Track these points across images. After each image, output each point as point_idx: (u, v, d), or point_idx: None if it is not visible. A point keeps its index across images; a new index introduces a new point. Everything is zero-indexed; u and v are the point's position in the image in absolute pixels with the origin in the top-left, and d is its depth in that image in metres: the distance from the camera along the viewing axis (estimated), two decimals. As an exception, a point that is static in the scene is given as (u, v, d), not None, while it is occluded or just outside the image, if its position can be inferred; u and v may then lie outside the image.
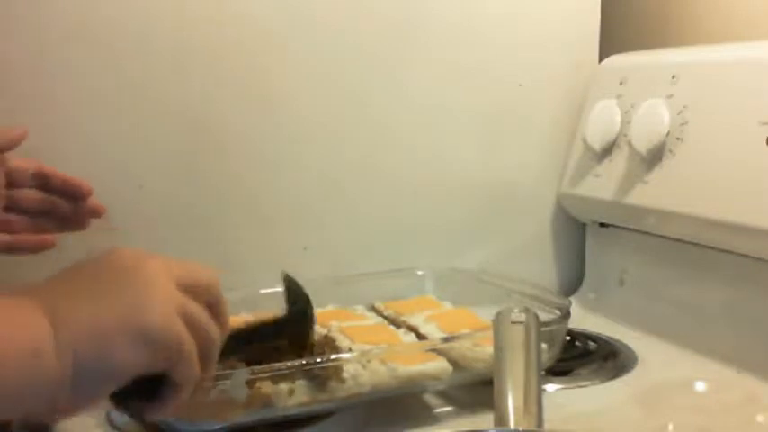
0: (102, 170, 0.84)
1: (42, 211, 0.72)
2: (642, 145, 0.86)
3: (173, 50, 0.86)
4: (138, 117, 0.86)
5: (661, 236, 0.90)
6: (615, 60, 0.99)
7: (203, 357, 0.51)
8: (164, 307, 0.49)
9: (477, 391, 0.71)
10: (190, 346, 0.50)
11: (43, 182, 0.71)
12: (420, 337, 0.77)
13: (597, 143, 0.93)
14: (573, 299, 0.98)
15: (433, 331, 0.76)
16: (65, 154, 0.83)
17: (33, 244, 0.71)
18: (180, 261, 0.52)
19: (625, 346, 0.86)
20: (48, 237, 0.72)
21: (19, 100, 0.81)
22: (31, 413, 0.46)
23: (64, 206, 0.72)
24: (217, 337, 0.52)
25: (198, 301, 0.51)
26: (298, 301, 0.70)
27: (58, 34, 0.82)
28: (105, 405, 0.59)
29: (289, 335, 0.69)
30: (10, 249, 0.71)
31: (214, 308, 0.53)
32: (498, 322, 0.59)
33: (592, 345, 0.86)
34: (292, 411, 0.65)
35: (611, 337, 0.88)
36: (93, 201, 0.73)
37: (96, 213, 0.73)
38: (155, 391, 0.50)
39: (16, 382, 0.43)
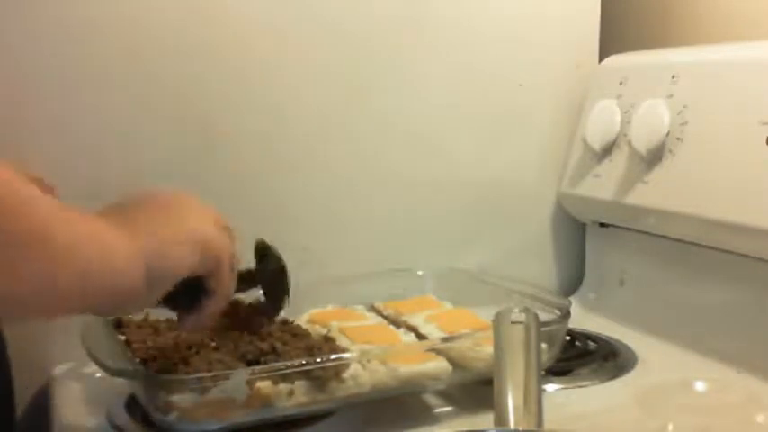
0: (102, 170, 0.85)
1: None
2: (642, 145, 0.86)
3: (175, 49, 0.86)
4: (138, 116, 0.86)
5: (661, 236, 0.90)
6: (615, 60, 0.99)
7: (232, 271, 0.63)
8: (212, 227, 0.61)
9: (477, 391, 0.71)
10: (227, 258, 0.61)
11: None
12: (420, 337, 0.77)
13: (597, 143, 0.93)
14: (573, 299, 0.98)
15: (433, 331, 0.76)
16: (65, 154, 0.83)
17: None
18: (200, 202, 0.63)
19: (625, 346, 0.86)
20: None
21: (19, 100, 0.81)
22: (108, 303, 0.54)
23: None
24: (237, 263, 0.64)
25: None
26: (277, 260, 0.74)
27: (59, 34, 0.82)
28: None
29: (266, 285, 0.74)
30: None
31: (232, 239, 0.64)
32: (498, 322, 0.59)
33: (592, 345, 0.86)
34: (292, 411, 0.66)
35: (611, 337, 0.88)
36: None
37: None
38: (193, 303, 0.62)
39: (94, 269, 0.50)
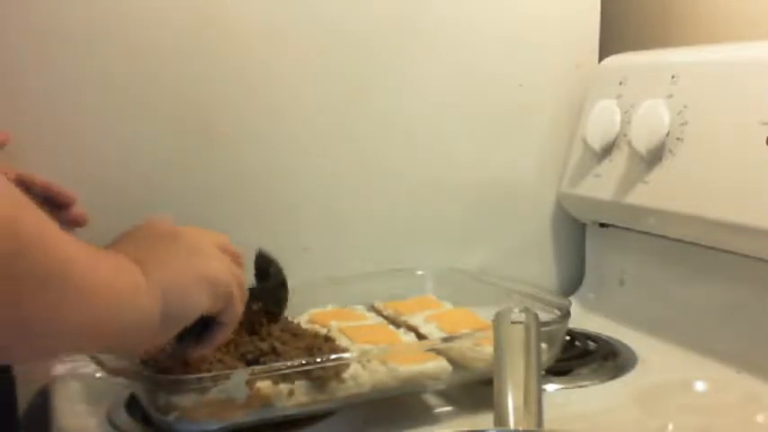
0: (102, 170, 0.85)
1: None
2: (642, 145, 0.86)
3: (175, 49, 0.86)
4: (138, 116, 0.86)
5: (661, 236, 0.90)
6: (615, 60, 0.99)
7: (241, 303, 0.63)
8: (221, 263, 0.60)
9: (477, 391, 0.71)
10: (237, 295, 0.61)
11: (24, 188, 0.70)
12: (420, 337, 0.77)
13: (597, 143, 0.93)
14: (573, 299, 0.98)
15: (433, 331, 0.77)
16: (66, 154, 0.83)
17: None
18: (200, 229, 0.63)
19: (625, 346, 0.86)
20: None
21: (18, 101, 0.81)
22: (126, 345, 0.56)
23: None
24: (245, 294, 0.64)
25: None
26: (278, 273, 0.76)
27: (60, 34, 0.82)
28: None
29: (266, 299, 0.75)
30: None
31: (236, 261, 0.65)
32: (498, 322, 0.59)
33: (592, 345, 0.86)
34: (292, 411, 0.66)
35: (611, 337, 0.88)
36: (77, 209, 0.73)
37: (78, 222, 0.73)
38: (201, 334, 0.62)
39: (114, 309, 0.50)
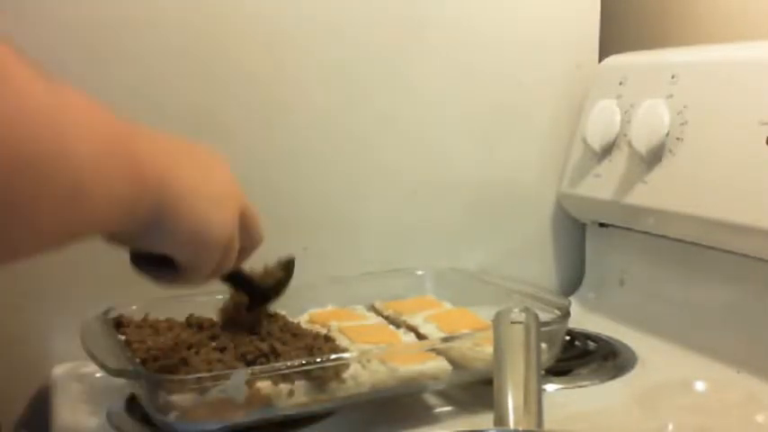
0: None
1: None
2: (642, 145, 0.86)
3: (176, 49, 0.86)
4: (137, 116, 0.85)
5: (661, 236, 0.90)
6: (615, 60, 0.99)
7: (243, 253, 0.62)
8: (231, 210, 0.58)
9: (477, 391, 0.71)
10: (235, 247, 0.59)
11: None
12: (420, 337, 0.77)
13: (597, 143, 0.93)
14: (573, 299, 0.98)
15: (433, 331, 0.77)
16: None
17: None
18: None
19: (625, 346, 0.86)
20: None
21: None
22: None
23: None
24: (258, 242, 0.63)
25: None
26: (285, 281, 0.77)
27: (63, 33, 0.82)
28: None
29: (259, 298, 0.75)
30: None
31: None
32: (498, 322, 0.59)
33: (592, 345, 0.86)
34: (292, 411, 0.66)
35: (610, 337, 0.88)
36: None
37: None
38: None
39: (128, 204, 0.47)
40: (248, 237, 0.62)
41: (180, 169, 0.54)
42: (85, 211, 0.44)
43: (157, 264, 0.58)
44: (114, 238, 0.53)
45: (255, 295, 0.75)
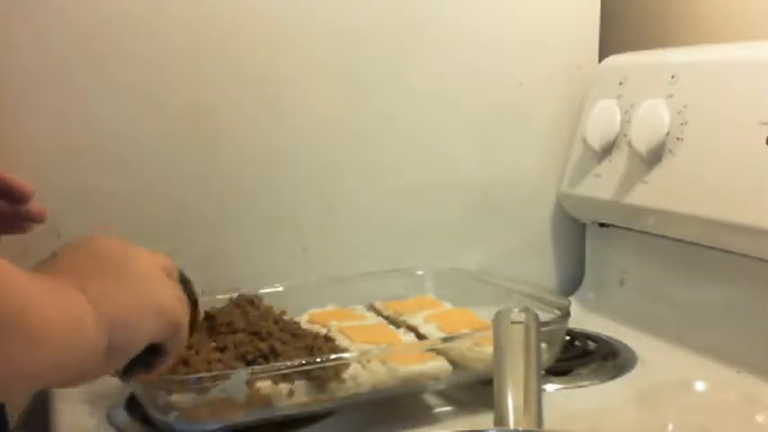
0: (103, 169, 0.85)
1: None
2: (642, 145, 0.86)
3: (176, 49, 0.86)
4: (138, 115, 0.86)
5: (661, 236, 0.90)
6: (615, 60, 0.99)
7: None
8: (169, 290, 0.58)
9: (477, 391, 0.71)
10: (185, 322, 0.59)
11: None
12: (420, 337, 0.77)
13: (597, 143, 0.93)
14: (573, 299, 0.98)
15: (433, 331, 0.77)
16: (66, 154, 0.83)
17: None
18: (143, 249, 0.59)
19: (625, 346, 0.86)
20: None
21: (17, 101, 0.81)
22: (68, 379, 0.51)
23: (3, 207, 0.68)
24: (186, 317, 0.60)
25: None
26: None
27: (62, 32, 0.82)
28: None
29: None
30: None
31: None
32: (498, 322, 0.59)
33: (591, 345, 0.86)
34: (292, 411, 0.66)
35: (610, 337, 0.88)
36: (35, 205, 0.69)
37: (36, 218, 0.69)
38: (146, 360, 0.57)
39: (64, 347, 0.47)
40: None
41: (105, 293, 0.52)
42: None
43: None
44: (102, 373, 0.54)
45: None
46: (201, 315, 0.72)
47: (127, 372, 0.58)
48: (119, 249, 0.56)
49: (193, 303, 0.68)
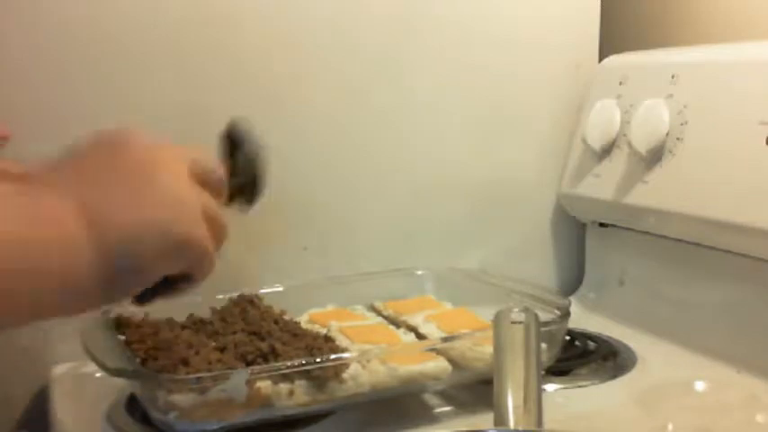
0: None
1: None
2: (642, 145, 0.86)
3: (175, 48, 0.86)
4: (136, 116, 0.86)
5: (661, 236, 0.90)
6: (615, 60, 0.99)
7: (217, 244, 0.54)
8: (192, 214, 0.50)
9: (477, 390, 0.71)
10: (212, 248, 0.52)
11: None
12: (420, 337, 0.77)
13: (597, 143, 0.93)
14: (573, 299, 0.98)
15: (433, 331, 0.77)
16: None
17: None
18: (183, 148, 0.54)
19: (625, 346, 0.86)
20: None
21: (16, 101, 0.81)
22: (65, 307, 0.46)
23: None
24: (226, 226, 0.55)
25: (206, 187, 0.54)
26: (251, 144, 0.65)
27: (61, 33, 0.82)
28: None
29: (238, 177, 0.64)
30: None
31: (216, 187, 0.55)
32: (498, 322, 0.59)
33: (591, 345, 0.86)
34: (292, 411, 0.66)
35: (610, 337, 0.88)
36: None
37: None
38: (170, 284, 0.53)
39: (58, 276, 0.44)
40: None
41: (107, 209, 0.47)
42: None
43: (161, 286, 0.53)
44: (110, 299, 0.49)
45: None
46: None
47: (145, 297, 0.53)
48: (146, 158, 0.50)
49: (257, 157, 0.63)
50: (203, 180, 0.54)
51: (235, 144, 0.64)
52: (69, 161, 0.49)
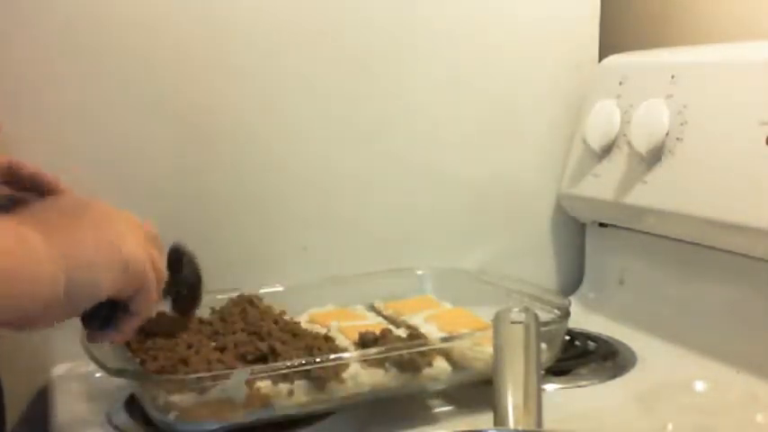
0: (101, 169, 0.85)
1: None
2: (641, 145, 0.86)
3: (176, 49, 0.86)
4: (138, 117, 0.86)
5: (661, 236, 0.90)
6: (615, 60, 0.99)
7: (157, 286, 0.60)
8: (138, 245, 0.57)
9: (477, 390, 0.71)
10: (152, 279, 0.58)
11: (12, 176, 0.67)
12: (420, 336, 0.77)
13: (597, 143, 0.93)
14: (573, 299, 0.98)
15: (433, 331, 0.76)
16: (64, 155, 0.83)
17: None
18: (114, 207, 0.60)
19: (625, 345, 0.86)
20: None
21: (15, 101, 0.81)
22: (26, 323, 0.52)
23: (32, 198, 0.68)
24: (162, 278, 0.62)
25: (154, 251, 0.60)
26: (193, 270, 0.71)
27: (61, 33, 0.82)
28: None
29: (176, 292, 0.70)
30: None
31: (159, 259, 0.62)
32: (498, 322, 0.59)
33: (591, 344, 0.86)
34: (292, 411, 0.66)
35: (610, 337, 0.88)
36: None
37: None
38: (111, 320, 0.59)
39: (19, 283, 0.48)
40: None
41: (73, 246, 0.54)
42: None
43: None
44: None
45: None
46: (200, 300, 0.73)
47: (91, 327, 0.59)
48: (80, 200, 0.57)
49: (192, 285, 0.70)
50: (154, 245, 0.61)
51: (175, 268, 0.70)
52: (22, 212, 0.55)
